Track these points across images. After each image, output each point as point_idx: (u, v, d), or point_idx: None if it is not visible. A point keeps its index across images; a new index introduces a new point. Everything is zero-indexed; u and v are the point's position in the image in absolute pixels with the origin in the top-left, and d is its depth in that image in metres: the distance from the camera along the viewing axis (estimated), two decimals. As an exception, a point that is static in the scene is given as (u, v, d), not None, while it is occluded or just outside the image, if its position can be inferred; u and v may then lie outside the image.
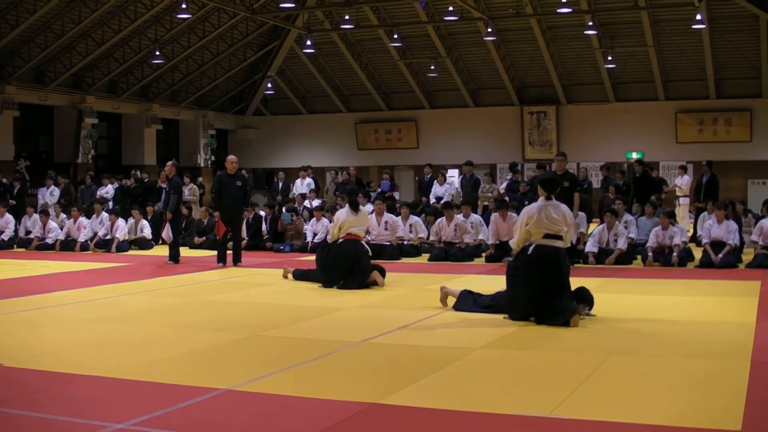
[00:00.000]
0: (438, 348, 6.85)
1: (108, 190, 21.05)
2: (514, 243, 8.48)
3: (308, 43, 25.46)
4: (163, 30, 24.10)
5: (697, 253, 13.95)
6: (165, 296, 10.33)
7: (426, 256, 15.11)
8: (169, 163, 15.16)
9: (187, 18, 22.93)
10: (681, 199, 20.15)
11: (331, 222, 16.68)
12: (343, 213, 11.35)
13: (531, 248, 8.10)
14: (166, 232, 14.41)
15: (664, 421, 4.69)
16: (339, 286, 10.71)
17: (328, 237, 11.97)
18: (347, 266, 10.80)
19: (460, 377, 5.94)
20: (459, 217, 15.20)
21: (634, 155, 25.09)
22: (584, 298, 8.18)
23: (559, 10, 21.78)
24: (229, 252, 14.00)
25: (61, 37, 22.13)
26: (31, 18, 20.92)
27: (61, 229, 17.63)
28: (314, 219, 17.01)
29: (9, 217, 18.06)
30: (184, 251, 15.72)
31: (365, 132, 29.37)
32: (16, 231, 18.06)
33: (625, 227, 14.23)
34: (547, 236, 8.08)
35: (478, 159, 24.54)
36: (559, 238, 8.14)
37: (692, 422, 4.70)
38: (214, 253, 14.56)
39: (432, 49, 25.98)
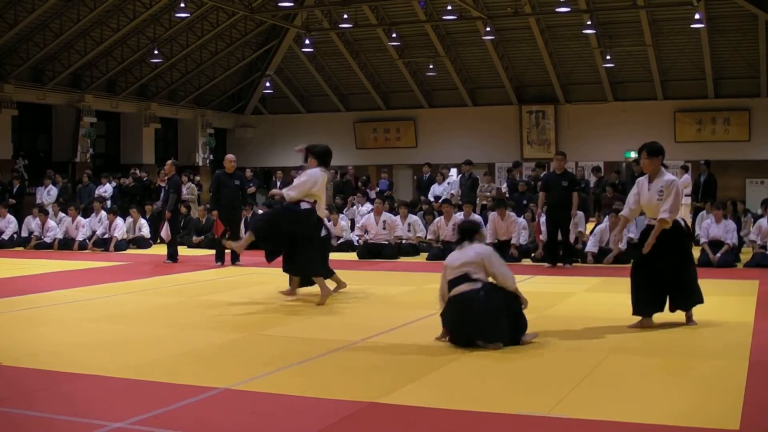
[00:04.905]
0: (437, 347, 6.83)
1: (106, 189, 21.05)
2: None
3: (307, 42, 25.44)
4: (161, 29, 24.08)
5: (695, 253, 13.93)
6: (163, 295, 10.32)
7: (424, 255, 15.12)
8: (169, 162, 15.15)
9: (186, 17, 22.92)
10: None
11: (329, 222, 16.74)
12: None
13: None
14: (165, 231, 14.39)
15: (662, 420, 4.69)
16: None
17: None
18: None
19: (458, 376, 5.94)
20: (458, 217, 15.19)
21: (633, 154, 25.04)
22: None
23: (557, 10, 21.79)
24: (228, 251, 13.99)
25: (59, 36, 22.11)
26: (30, 17, 20.90)
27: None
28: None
29: (11, 217, 18.13)
30: (182, 250, 15.71)
31: (364, 131, 29.34)
32: (19, 231, 18.09)
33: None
34: None
35: (477, 158, 24.48)
36: None
37: (690, 421, 4.69)
38: (212, 252, 14.55)
39: (430, 48, 25.96)
